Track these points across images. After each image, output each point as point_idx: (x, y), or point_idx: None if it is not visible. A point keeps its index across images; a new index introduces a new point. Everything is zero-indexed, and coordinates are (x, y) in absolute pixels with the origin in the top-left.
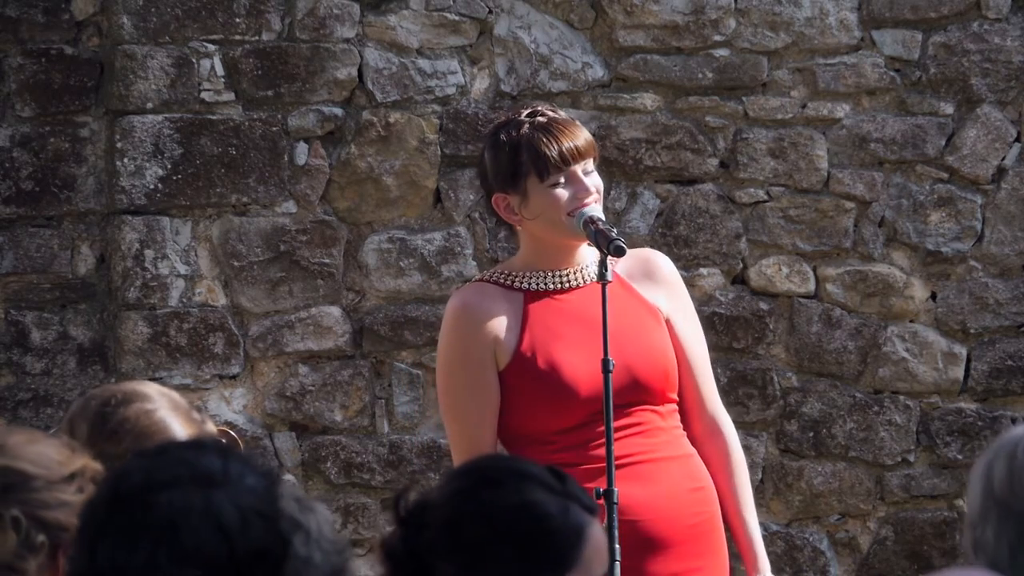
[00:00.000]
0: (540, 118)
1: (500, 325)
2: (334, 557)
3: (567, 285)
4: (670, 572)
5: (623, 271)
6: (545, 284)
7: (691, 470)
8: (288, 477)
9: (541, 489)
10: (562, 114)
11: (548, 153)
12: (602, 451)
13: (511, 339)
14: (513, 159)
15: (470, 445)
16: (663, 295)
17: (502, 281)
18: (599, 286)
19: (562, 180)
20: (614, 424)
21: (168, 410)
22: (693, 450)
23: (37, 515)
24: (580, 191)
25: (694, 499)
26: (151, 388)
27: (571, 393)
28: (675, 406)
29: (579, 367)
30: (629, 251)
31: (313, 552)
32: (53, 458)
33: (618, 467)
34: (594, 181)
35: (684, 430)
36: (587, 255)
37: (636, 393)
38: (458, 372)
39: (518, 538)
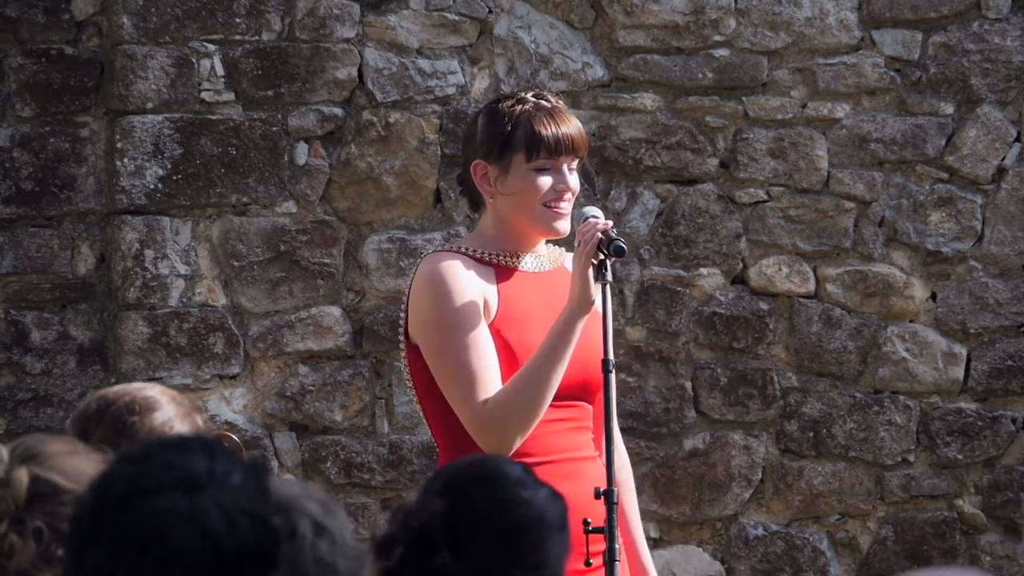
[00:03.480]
0: (545, 102)
1: (482, 288)
2: (353, 564)
3: (529, 268)
4: (582, 570)
5: (570, 268)
6: (512, 263)
7: (601, 471)
8: (288, 477)
9: (528, 475)
10: (564, 107)
11: (544, 135)
12: (535, 445)
13: (490, 307)
14: (507, 131)
15: (484, 390)
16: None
17: (470, 254)
18: (557, 273)
19: (547, 167)
20: (555, 416)
21: (179, 420)
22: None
23: (60, 528)
24: (560, 184)
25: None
26: (161, 394)
27: None
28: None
29: None
30: (567, 254)
31: (337, 557)
32: (87, 473)
33: (549, 462)
34: (575, 179)
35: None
36: (542, 245)
37: (582, 390)
38: (457, 323)
39: (553, 525)
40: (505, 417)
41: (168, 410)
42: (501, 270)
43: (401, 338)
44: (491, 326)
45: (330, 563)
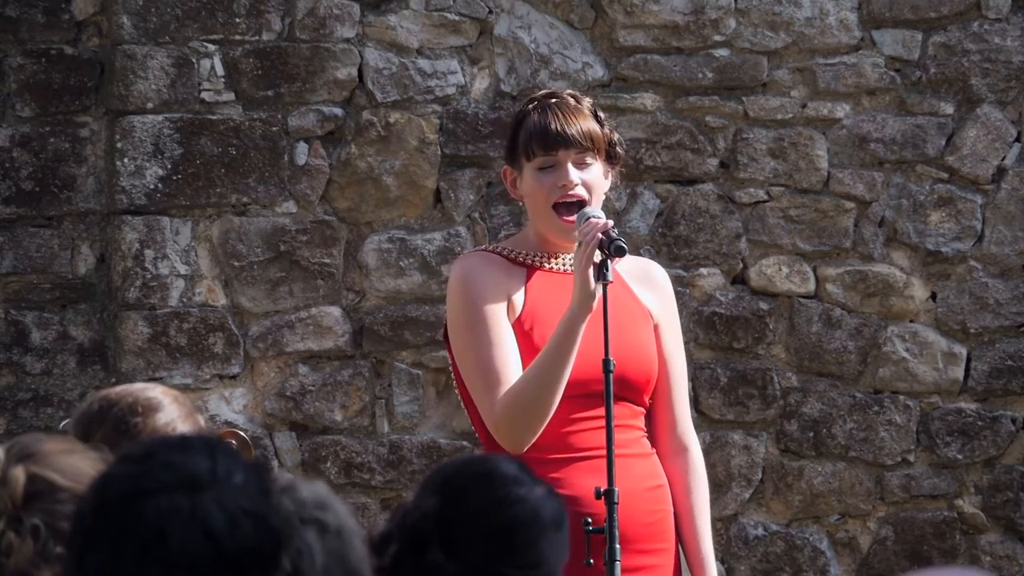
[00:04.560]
0: (552, 99)
1: (508, 288)
2: (349, 550)
3: (566, 268)
4: (622, 568)
5: (622, 270)
6: (546, 263)
7: (651, 468)
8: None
9: (523, 473)
10: (585, 103)
11: (534, 132)
12: (569, 440)
13: (517, 302)
14: (514, 134)
15: (501, 389)
16: (656, 301)
17: (504, 254)
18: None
19: (549, 165)
20: (588, 413)
21: (182, 421)
22: (653, 450)
23: (58, 526)
24: (561, 180)
25: (652, 497)
26: (163, 395)
27: None
28: (645, 410)
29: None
30: (631, 256)
31: (330, 546)
32: (85, 471)
33: (584, 458)
34: (587, 175)
35: (651, 442)
36: None
37: (618, 387)
38: (480, 323)
39: (549, 523)
40: (512, 416)
41: (171, 411)
42: (532, 270)
43: (442, 338)
44: (516, 323)
45: (345, 554)
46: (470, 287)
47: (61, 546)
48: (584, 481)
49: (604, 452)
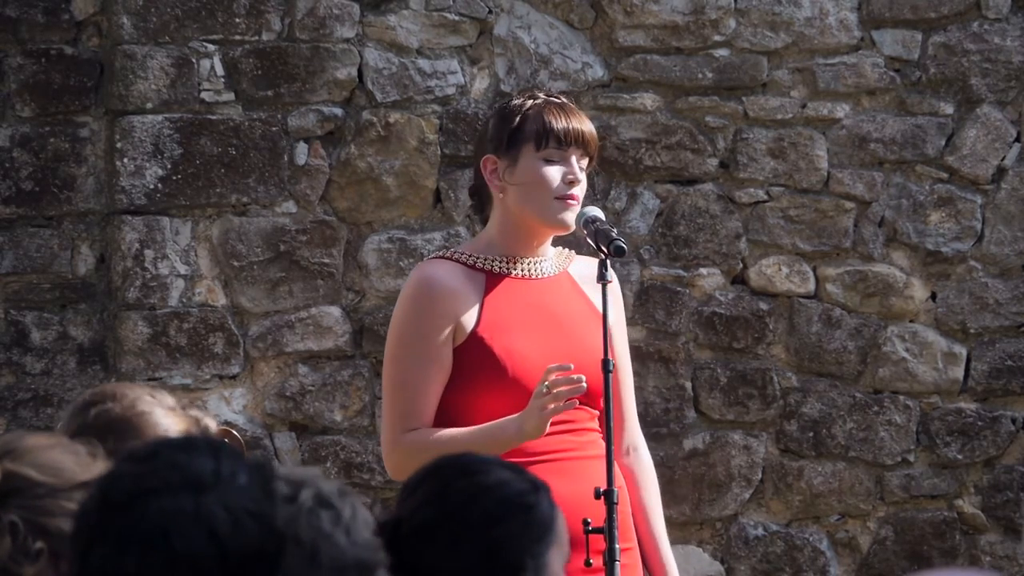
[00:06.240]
0: (555, 99)
1: (461, 302)
2: (365, 552)
3: (527, 274)
4: (585, 568)
5: (575, 272)
6: (506, 269)
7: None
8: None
9: (508, 471)
10: (575, 107)
11: (553, 125)
12: (527, 446)
13: (470, 318)
14: (517, 124)
15: (408, 418)
16: (608, 305)
17: (464, 260)
18: (559, 279)
19: (556, 158)
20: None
21: (158, 407)
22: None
23: (37, 521)
24: (569, 174)
25: None
26: (153, 393)
27: (521, 381)
28: (599, 412)
29: (533, 357)
30: (581, 257)
31: (340, 535)
32: (65, 465)
33: (544, 461)
34: (582, 178)
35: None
36: (549, 250)
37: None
38: (413, 342)
39: (506, 516)
40: (406, 465)
41: (161, 410)
42: (492, 277)
43: None
44: (473, 335)
45: (328, 534)
46: (416, 303)
47: (43, 541)
48: (550, 484)
49: (563, 455)
